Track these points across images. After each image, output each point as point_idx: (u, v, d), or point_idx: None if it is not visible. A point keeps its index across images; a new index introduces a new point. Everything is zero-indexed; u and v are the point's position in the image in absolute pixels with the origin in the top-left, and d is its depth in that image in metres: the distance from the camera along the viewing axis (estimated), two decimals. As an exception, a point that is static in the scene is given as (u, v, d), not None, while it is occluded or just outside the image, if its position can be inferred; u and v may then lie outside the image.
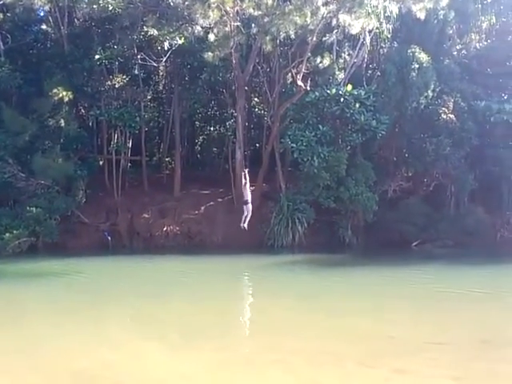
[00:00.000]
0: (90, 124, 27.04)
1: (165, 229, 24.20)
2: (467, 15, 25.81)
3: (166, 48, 22.43)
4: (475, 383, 8.37)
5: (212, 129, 33.52)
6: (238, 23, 21.19)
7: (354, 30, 21.14)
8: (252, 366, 8.83)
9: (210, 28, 20.83)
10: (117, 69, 25.36)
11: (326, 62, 23.77)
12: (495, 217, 25.75)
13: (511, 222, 26.15)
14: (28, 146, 22.73)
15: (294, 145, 22.71)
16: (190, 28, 21.43)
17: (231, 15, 20.68)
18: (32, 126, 22.51)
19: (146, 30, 22.49)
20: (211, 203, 25.73)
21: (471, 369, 8.78)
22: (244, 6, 20.56)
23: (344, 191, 23.27)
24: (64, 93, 22.40)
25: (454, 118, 24.32)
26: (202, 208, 25.43)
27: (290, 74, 24.14)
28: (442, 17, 24.21)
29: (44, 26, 25.15)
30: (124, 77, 25.13)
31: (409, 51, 23.14)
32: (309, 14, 20.20)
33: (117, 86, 24.84)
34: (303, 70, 22.59)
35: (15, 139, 22.38)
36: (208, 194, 26.42)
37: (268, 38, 21.76)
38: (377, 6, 21.72)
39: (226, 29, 20.95)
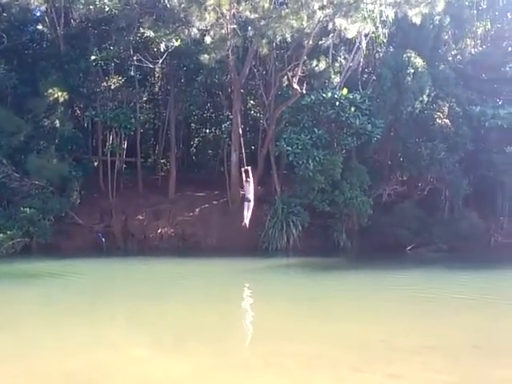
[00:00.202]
0: (86, 125, 26.89)
1: (159, 231, 24.12)
2: (462, 21, 25.98)
3: (162, 50, 22.35)
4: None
5: (207, 131, 33.47)
6: (235, 26, 21.16)
7: (350, 34, 21.20)
8: (246, 370, 8.82)
9: (206, 30, 20.80)
10: (113, 70, 25.41)
11: (322, 65, 23.82)
12: (489, 221, 25.88)
13: (505, 227, 26.24)
14: (23, 147, 22.66)
15: (290, 148, 22.74)
16: (186, 30, 21.33)
17: (227, 18, 20.66)
18: (27, 127, 22.46)
19: (142, 31, 22.40)
20: (206, 205, 25.67)
21: (465, 374, 8.82)
22: (240, 8, 20.57)
23: (339, 195, 23.32)
24: (59, 93, 22.35)
25: (449, 123, 24.45)
26: (197, 210, 25.36)
27: (285, 77, 24.17)
28: (437, 22, 24.32)
29: (40, 27, 25.07)
30: (120, 78, 25.15)
31: (404, 56, 23.25)
32: (305, 18, 20.23)
33: (112, 87, 24.81)
34: (299, 73, 22.62)
35: (10, 139, 22.29)
36: (203, 196, 26.36)
37: (264, 41, 21.85)
38: (373, 11, 21.75)
39: (223, 31, 20.94)
